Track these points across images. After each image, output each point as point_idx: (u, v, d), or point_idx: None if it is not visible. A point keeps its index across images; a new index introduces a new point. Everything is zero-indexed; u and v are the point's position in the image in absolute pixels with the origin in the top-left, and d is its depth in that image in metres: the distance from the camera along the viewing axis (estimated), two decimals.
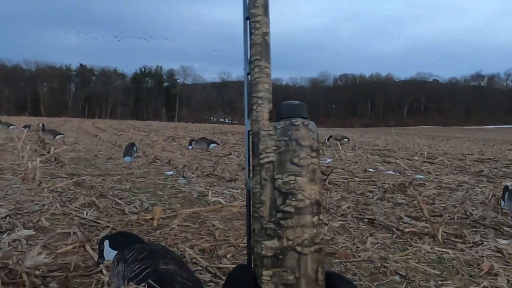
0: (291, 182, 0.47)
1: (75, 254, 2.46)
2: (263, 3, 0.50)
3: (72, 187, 4.41)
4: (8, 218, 3.13)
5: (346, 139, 12.44)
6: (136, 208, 3.57)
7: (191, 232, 2.96)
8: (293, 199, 0.47)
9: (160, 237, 2.82)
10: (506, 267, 2.38)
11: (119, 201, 3.77)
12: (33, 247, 2.50)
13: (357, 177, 5.48)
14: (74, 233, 2.83)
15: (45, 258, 2.33)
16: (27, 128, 12.15)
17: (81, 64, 65.36)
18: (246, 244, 2.66)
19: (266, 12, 0.51)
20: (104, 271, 2.14)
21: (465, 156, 9.28)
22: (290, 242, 0.47)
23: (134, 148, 6.03)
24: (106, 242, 1.54)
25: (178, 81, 70.26)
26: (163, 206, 3.60)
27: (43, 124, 12.01)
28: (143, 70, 68.87)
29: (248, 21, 0.52)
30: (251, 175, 0.51)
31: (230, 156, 7.83)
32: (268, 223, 0.48)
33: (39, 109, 54.52)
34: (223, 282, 2.08)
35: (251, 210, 0.51)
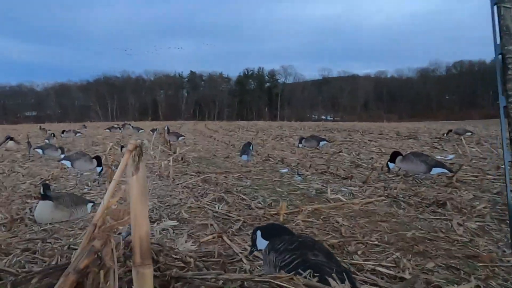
0: None
1: (215, 243, 2.73)
2: None
3: (201, 183, 4.87)
4: (155, 210, 3.60)
5: (469, 133, 11.24)
6: (261, 203, 3.79)
7: (316, 227, 3.03)
8: None
9: None
10: None
11: (244, 197, 4.04)
12: (180, 236, 2.85)
13: (489, 174, 4.95)
14: (211, 224, 3.14)
15: (191, 245, 2.64)
16: (154, 132, 13.64)
17: (191, 71, 70.93)
18: (374, 243, 2.62)
19: None
20: (244, 260, 2.33)
21: None
22: None
23: (251, 147, 6.36)
24: (259, 233, 1.68)
25: (279, 81, 71.62)
26: (285, 202, 3.75)
27: (168, 127, 13.13)
28: (246, 72, 71.92)
29: (500, 56, 0.55)
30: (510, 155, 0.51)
31: (340, 153, 7.73)
32: None
33: (158, 114, 61.00)
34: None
35: None
